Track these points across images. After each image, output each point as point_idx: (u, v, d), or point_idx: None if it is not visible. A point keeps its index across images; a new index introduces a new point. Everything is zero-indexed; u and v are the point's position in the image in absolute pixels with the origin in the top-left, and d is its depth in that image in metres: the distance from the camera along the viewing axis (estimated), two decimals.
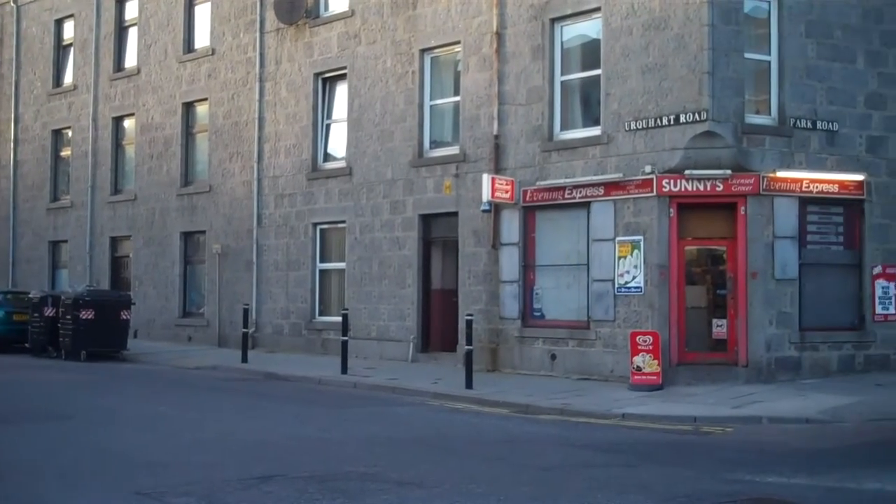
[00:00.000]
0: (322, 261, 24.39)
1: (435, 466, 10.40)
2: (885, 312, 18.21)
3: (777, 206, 17.41)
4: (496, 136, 20.12)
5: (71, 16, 32.00)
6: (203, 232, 27.26)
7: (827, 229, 18.16)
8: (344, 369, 19.49)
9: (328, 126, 24.51)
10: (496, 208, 19.86)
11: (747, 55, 17.55)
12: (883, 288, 18.20)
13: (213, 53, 27.04)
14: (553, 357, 19.00)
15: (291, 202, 24.78)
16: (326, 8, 24.60)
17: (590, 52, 19.23)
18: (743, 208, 17.31)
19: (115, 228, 30.12)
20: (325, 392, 17.83)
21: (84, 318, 23.06)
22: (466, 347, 17.46)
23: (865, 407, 14.61)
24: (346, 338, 19.84)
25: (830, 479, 9.82)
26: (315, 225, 24.31)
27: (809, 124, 17.70)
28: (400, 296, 22.05)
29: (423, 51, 21.92)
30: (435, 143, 22.02)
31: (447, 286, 21.63)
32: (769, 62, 17.75)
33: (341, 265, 23.66)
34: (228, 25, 26.69)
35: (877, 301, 18.14)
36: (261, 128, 25.55)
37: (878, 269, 18.22)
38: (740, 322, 17.28)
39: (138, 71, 29.38)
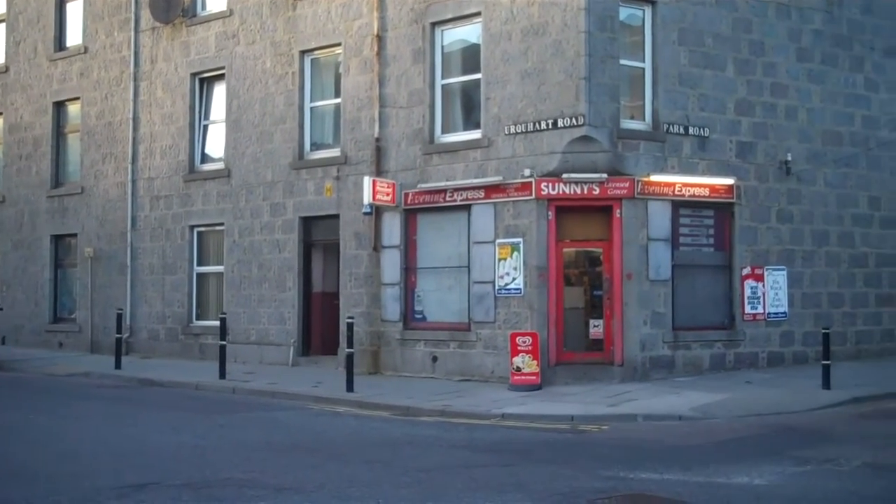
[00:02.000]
0: (200, 264, 23.93)
1: (314, 471, 10.30)
2: (754, 312, 18.86)
3: (651, 210, 17.86)
4: (377, 139, 20.09)
5: None
6: (75, 235, 26.43)
7: (698, 232, 18.71)
8: (222, 374, 19.15)
9: (206, 127, 24.08)
10: (377, 211, 19.83)
11: (623, 62, 17.95)
12: (752, 288, 18.85)
13: (85, 52, 26.26)
14: (434, 359, 19.07)
15: (167, 204, 24.25)
16: (204, 7, 24.17)
17: (470, 57, 19.38)
18: (618, 211, 17.70)
19: None
20: (202, 398, 17.49)
21: None
22: (347, 350, 17.38)
23: (735, 404, 15.09)
24: (224, 342, 19.51)
25: (702, 474, 10.10)
26: (192, 227, 23.85)
27: (682, 130, 18.21)
28: (280, 299, 21.81)
29: (303, 52, 21.73)
30: (315, 146, 21.87)
31: (328, 289, 21.48)
32: (643, 69, 18.20)
33: (219, 268, 23.27)
34: (101, 23, 25.96)
35: (746, 301, 18.78)
36: (135, 128, 24.93)
37: (746, 270, 18.87)
38: (616, 322, 17.66)
39: (6, 69, 28.33)
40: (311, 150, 21.82)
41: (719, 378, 17.62)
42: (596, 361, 17.84)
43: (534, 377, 16.94)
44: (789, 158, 19.29)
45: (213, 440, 12.54)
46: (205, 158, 24.08)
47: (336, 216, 20.92)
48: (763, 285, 18.98)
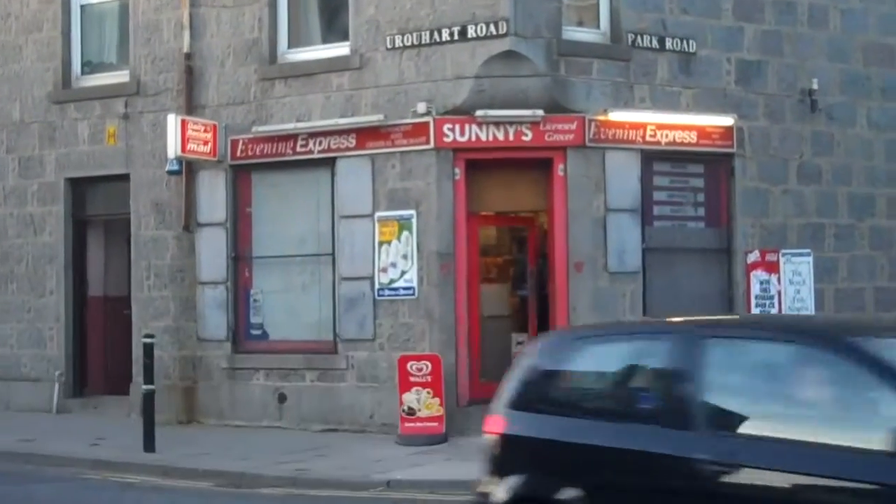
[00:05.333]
0: None
1: None
2: None
3: (610, 165, 18.06)
4: (188, 56, 19.96)
5: None
6: None
7: (682, 198, 19.02)
8: None
9: None
10: (190, 168, 19.71)
11: None
12: (761, 282, 19.19)
13: None
14: (282, 398, 19.04)
15: None
16: None
17: None
18: (561, 167, 17.86)
19: None
20: None
21: None
22: (145, 387, 17.23)
23: None
24: None
25: None
26: None
27: (655, 43, 18.44)
28: (37, 308, 21.58)
29: None
30: (91, 66, 21.76)
31: (114, 292, 21.43)
32: None
33: None
34: None
35: (753, 300, 19.13)
36: None
37: (754, 256, 19.21)
38: None
39: None
40: (84, 73, 21.69)
41: None
42: None
43: (435, 423, 17.07)
44: (815, 87, 19.69)
45: None
46: None
47: (125, 177, 20.80)
48: (778, 278, 19.38)
